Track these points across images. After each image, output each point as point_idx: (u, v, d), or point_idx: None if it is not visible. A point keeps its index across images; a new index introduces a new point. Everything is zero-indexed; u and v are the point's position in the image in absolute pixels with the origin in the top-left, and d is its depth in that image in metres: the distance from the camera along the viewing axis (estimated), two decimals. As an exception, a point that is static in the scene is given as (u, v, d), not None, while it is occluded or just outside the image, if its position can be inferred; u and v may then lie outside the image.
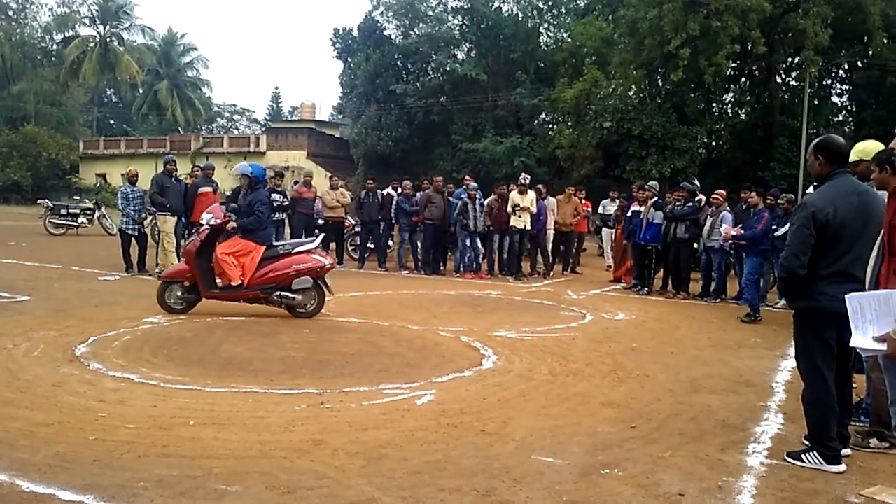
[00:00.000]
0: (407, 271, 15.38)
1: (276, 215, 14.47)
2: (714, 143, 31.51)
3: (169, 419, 4.99)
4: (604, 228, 17.90)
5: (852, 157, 5.84)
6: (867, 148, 5.58)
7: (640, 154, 27.48)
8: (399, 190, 15.61)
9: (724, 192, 12.73)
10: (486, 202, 14.83)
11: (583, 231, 17.03)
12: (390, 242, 16.50)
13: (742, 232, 10.62)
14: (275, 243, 9.76)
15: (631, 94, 29.92)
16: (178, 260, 13.20)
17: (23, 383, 5.77)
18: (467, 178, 15.72)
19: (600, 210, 17.99)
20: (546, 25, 37.32)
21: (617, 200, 17.05)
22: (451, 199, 15.36)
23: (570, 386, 6.35)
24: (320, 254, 9.81)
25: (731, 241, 11.37)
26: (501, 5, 36.73)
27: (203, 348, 7.38)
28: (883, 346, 4.00)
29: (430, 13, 36.99)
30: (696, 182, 13.69)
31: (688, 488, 4.06)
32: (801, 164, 26.83)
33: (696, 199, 13.13)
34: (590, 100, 29.28)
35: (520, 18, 36.26)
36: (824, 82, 31.28)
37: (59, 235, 21.42)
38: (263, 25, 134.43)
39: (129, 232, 13.20)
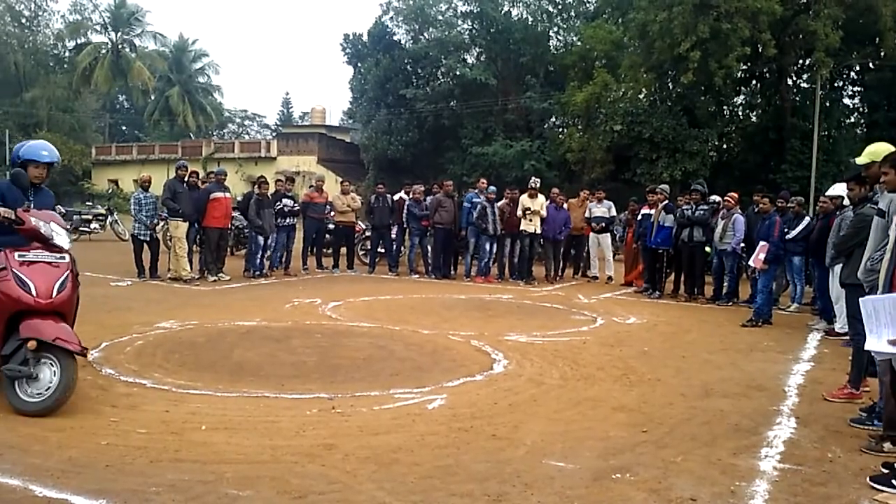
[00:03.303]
0: (417, 275, 15.39)
1: (288, 220, 14.56)
2: (725, 146, 31.36)
3: (181, 424, 5.01)
4: (591, 234, 15.81)
5: (863, 160, 5.84)
6: (878, 150, 5.56)
7: (651, 157, 27.39)
8: (410, 194, 15.63)
9: (736, 194, 12.68)
10: (496, 206, 14.82)
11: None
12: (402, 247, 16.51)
13: (766, 250, 10.39)
14: None
15: (641, 97, 29.84)
16: (190, 266, 13.28)
17: (36, 388, 5.79)
18: (482, 181, 15.66)
19: (586, 214, 15.78)
20: (556, 29, 37.24)
21: (604, 202, 15.76)
22: (464, 202, 15.34)
23: (582, 390, 6.34)
24: None
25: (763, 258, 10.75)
26: (511, 9, 36.68)
27: (215, 353, 7.40)
28: (897, 350, 3.98)
29: (440, 18, 36.98)
30: (704, 185, 13.58)
31: (700, 493, 4.04)
32: (813, 167, 26.71)
33: (713, 201, 13.09)
34: (600, 103, 29.20)
35: (529, 22, 36.21)
36: (836, 84, 31.05)
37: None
38: (274, 31, 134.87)
39: (142, 237, 13.26)
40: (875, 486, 4.18)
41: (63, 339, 5.14)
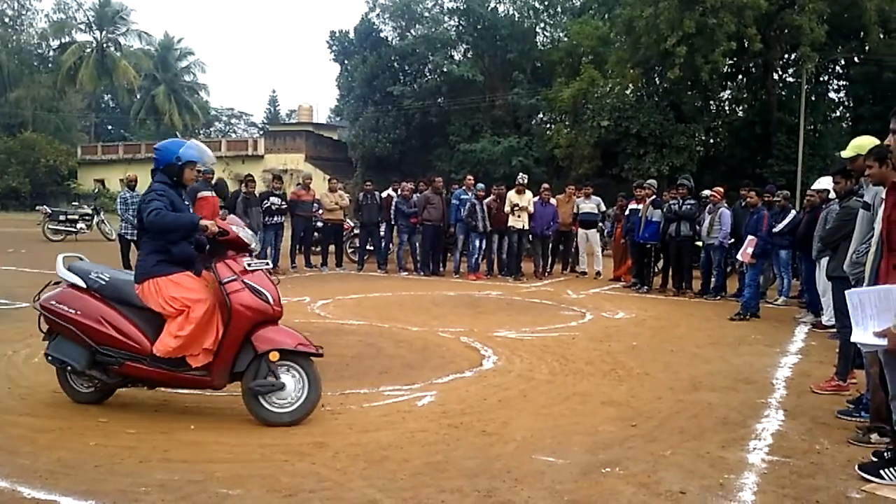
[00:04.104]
0: (406, 273, 15.38)
1: (276, 219, 14.51)
2: (712, 141, 31.48)
3: (170, 424, 4.99)
4: (579, 230, 15.90)
5: (848, 153, 5.87)
6: (863, 143, 5.60)
7: (639, 152, 27.46)
8: (398, 191, 15.61)
9: (721, 189, 12.73)
10: (484, 202, 14.82)
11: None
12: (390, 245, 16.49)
13: (755, 244, 10.40)
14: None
15: (628, 92, 29.89)
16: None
17: (24, 390, 5.77)
18: (469, 178, 15.70)
19: (574, 210, 15.84)
20: (542, 25, 37.31)
21: (592, 198, 15.86)
22: (452, 199, 15.35)
23: (571, 385, 6.35)
24: None
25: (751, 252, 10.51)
26: (497, 5, 36.70)
27: (203, 352, 7.35)
28: (883, 342, 4.00)
29: (427, 14, 36.97)
30: (691, 179, 13.60)
31: (689, 486, 4.06)
32: (799, 161, 26.84)
33: (705, 195, 13.12)
34: (587, 99, 29.25)
35: (516, 18, 36.25)
36: (821, 78, 31.24)
37: (58, 241, 21.40)
38: (260, 29, 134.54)
39: (129, 237, 13.18)
40: (863, 474, 4.21)
41: (302, 343, 5.07)
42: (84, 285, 5.22)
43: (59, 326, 5.19)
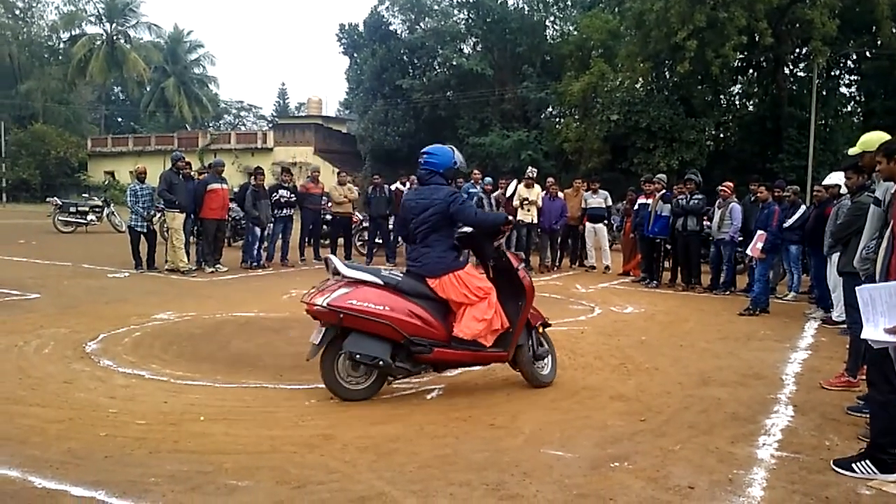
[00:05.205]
0: (415, 266, 15.34)
1: (285, 211, 14.53)
2: (722, 136, 31.40)
3: (179, 415, 5.01)
4: (587, 224, 15.64)
5: (856, 150, 5.84)
6: (871, 139, 5.56)
7: (648, 147, 27.39)
8: (407, 185, 15.59)
9: (731, 184, 12.67)
10: (492, 196, 14.80)
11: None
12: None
13: (764, 239, 10.34)
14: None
15: (638, 86, 29.81)
16: (187, 257, 13.25)
17: (34, 380, 5.80)
18: (476, 172, 15.67)
19: (582, 204, 15.59)
20: (552, 18, 37.21)
21: (600, 192, 15.67)
22: (461, 193, 15.32)
23: (580, 379, 6.35)
24: None
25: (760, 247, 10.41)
26: (507, -1, 36.67)
27: (212, 344, 7.39)
28: (894, 338, 3.98)
29: (436, 7, 36.92)
30: (699, 174, 13.51)
31: (698, 481, 4.05)
32: (810, 156, 26.72)
33: (719, 190, 13.06)
34: (597, 93, 29.19)
35: (526, 12, 36.17)
36: (832, 73, 31.09)
37: (68, 233, 21.50)
38: (269, 22, 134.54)
39: (139, 229, 13.21)
40: (837, 469, 4.26)
41: (545, 317, 6.19)
42: (381, 283, 5.48)
43: (363, 323, 5.30)
